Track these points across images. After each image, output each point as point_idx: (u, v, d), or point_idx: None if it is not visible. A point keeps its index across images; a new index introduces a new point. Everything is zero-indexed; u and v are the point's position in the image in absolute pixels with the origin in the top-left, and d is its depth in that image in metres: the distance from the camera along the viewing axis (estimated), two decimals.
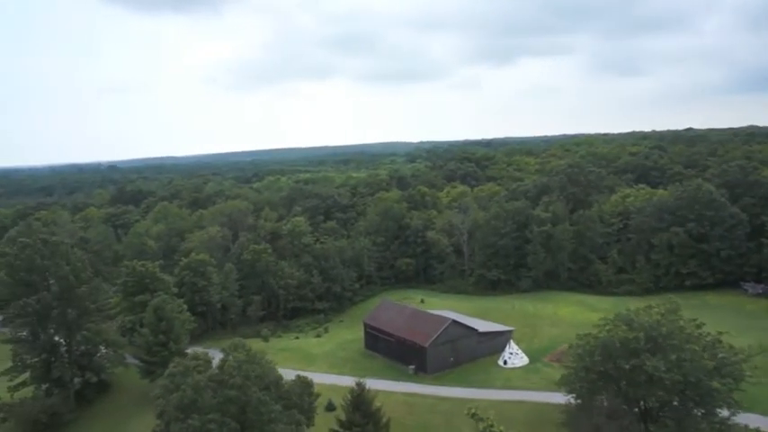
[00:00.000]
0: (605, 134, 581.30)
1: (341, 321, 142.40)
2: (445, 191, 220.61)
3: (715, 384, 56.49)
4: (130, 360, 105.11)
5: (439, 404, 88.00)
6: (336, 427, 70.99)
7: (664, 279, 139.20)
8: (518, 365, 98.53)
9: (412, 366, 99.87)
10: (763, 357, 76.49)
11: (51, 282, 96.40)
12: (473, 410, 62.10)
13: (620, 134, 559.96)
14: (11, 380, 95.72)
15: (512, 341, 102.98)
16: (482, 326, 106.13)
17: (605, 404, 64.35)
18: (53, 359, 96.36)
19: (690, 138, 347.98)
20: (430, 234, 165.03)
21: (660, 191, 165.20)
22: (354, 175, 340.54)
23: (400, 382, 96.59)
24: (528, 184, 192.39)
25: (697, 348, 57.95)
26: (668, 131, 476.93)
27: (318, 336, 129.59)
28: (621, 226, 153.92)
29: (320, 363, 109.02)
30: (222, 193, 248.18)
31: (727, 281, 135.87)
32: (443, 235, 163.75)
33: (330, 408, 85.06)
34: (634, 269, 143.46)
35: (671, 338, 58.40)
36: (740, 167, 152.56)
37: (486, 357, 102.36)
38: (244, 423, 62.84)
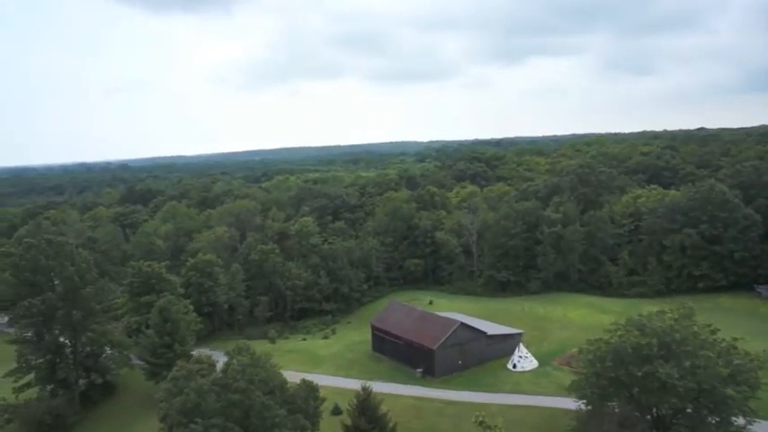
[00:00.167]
0: (616, 134, 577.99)
1: (348, 323, 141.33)
2: (454, 191, 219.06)
3: (730, 392, 55.04)
4: (136, 361, 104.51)
5: (447, 408, 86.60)
6: None
7: (676, 281, 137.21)
8: (527, 369, 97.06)
9: (419, 369, 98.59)
10: None
11: (56, 282, 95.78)
12: (481, 418, 60.65)
13: (630, 134, 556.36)
14: (16, 381, 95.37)
15: (521, 344, 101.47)
16: (491, 328, 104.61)
17: (617, 411, 62.84)
18: (58, 360, 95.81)
19: (702, 137, 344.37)
20: (439, 235, 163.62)
21: (672, 191, 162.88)
22: (363, 174, 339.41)
23: (407, 386, 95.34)
24: (538, 185, 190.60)
25: (712, 355, 56.43)
26: (680, 131, 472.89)
27: (326, 337, 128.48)
28: (633, 227, 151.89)
29: (327, 365, 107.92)
30: (231, 192, 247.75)
31: (740, 283, 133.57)
32: (452, 235, 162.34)
33: (336, 411, 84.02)
34: (645, 271, 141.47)
35: (685, 345, 56.90)
36: (754, 168, 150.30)
37: (495, 361, 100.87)
38: (247, 428, 61.81)
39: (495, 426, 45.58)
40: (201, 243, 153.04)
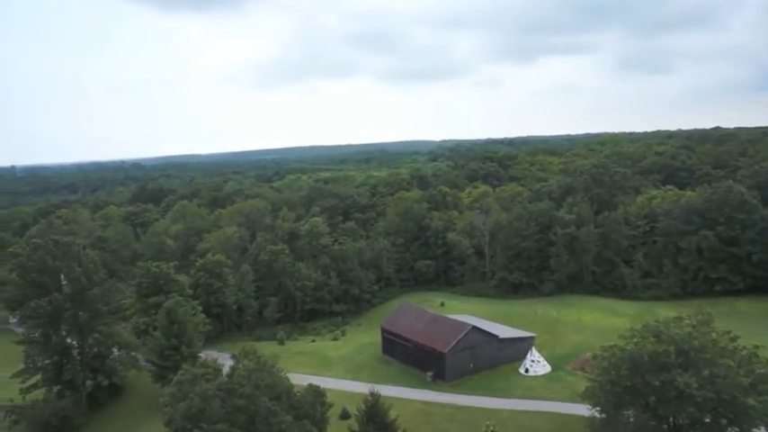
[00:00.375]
0: (630, 133, 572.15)
1: (358, 324, 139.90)
2: (467, 191, 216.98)
3: (751, 402, 53.00)
4: (144, 362, 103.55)
5: (457, 413, 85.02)
6: None
7: (692, 284, 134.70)
8: (540, 374, 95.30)
9: (430, 373, 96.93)
10: None
11: (64, 283, 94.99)
12: (491, 428, 58.69)
13: (645, 133, 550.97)
14: (23, 382, 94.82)
15: (533, 348, 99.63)
16: (503, 332, 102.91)
17: (632, 420, 61.07)
18: (65, 361, 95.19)
19: (718, 137, 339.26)
20: (450, 235, 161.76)
21: (688, 192, 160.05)
22: (375, 173, 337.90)
23: (417, 390, 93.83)
24: (551, 185, 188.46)
25: (732, 364, 54.40)
26: (695, 130, 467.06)
27: (335, 339, 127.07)
28: (648, 228, 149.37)
29: (336, 368, 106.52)
30: (242, 192, 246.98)
31: (758, 286, 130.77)
32: (464, 236, 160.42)
33: (344, 416, 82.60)
34: (661, 273, 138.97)
35: (704, 353, 54.93)
36: None
37: (507, 365, 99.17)
38: None
39: None
40: (211, 243, 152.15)
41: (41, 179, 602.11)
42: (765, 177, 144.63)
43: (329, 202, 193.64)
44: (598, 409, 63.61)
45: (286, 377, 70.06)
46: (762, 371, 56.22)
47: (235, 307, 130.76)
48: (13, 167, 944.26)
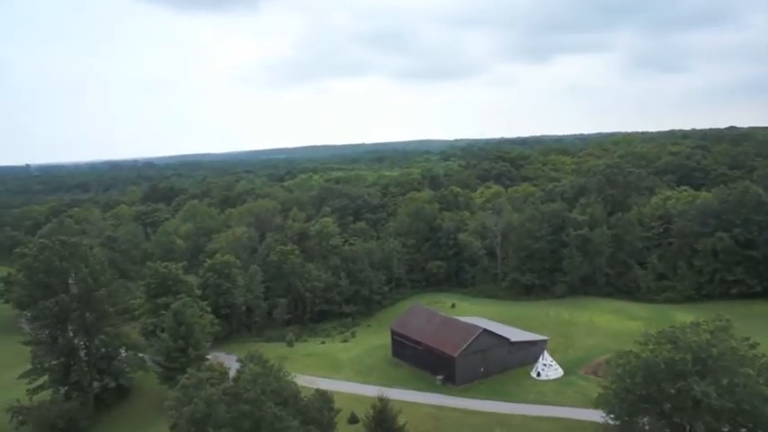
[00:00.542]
0: (643, 132, 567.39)
1: (369, 326, 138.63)
2: (479, 191, 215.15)
3: None
4: (151, 363, 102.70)
5: (467, 418, 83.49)
6: None
7: (707, 287, 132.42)
8: (552, 378, 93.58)
9: (440, 377, 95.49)
10: None
11: (71, 284, 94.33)
12: None
13: (659, 132, 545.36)
14: (30, 382, 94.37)
15: (545, 352, 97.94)
16: (514, 335, 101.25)
17: (647, 428, 59.39)
18: (72, 362, 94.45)
19: (733, 137, 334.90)
20: (462, 236, 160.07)
21: (704, 193, 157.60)
22: (387, 173, 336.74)
23: (427, 393, 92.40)
24: (564, 185, 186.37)
25: (752, 372, 52.61)
26: (710, 130, 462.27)
27: (345, 341, 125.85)
28: (662, 230, 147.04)
29: (345, 370, 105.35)
30: (253, 191, 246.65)
31: None
32: (476, 237, 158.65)
33: (353, 420, 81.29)
34: (675, 275, 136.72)
35: (722, 360, 53.20)
36: None
37: (518, 368, 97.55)
38: None
39: None
40: (220, 243, 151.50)
41: (55, 178, 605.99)
42: None
43: (340, 203, 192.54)
44: (612, 416, 62.07)
45: (293, 381, 69.00)
46: None
47: (244, 308, 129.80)
48: (27, 166, 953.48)
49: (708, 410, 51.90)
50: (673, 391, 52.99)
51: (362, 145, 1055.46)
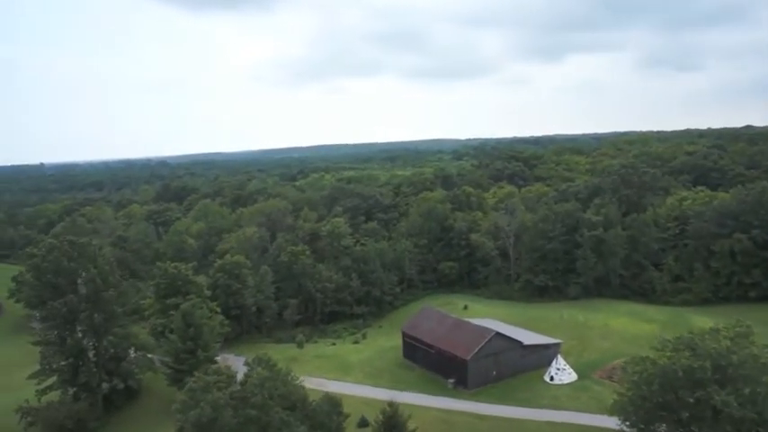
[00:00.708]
0: (658, 132, 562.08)
1: (380, 327, 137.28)
2: (491, 191, 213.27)
3: None
4: (160, 364, 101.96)
5: (479, 423, 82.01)
6: None
7: (724, 289, 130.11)
8: (565, 382, 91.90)
9: (451, 380, 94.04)
10: None
11: (80, 284, 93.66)
12: None
13: (674, 132, 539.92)
14: (39, 383, 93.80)
15: (559, 355, 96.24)
16: (527, 338, 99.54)
17: None
18: (80, 363, 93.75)
19: (750, 136, 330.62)
20: (474, 237, 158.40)
21: (721, 194, 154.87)
22: (399, 172, 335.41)
23: (438, 397, 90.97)
24: (578, 185, 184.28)
25: None
26: (726, 129, 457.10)
27: (356, 342, 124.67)
28: (678, 231, 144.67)
29: (356, 372, 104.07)
30: (264, 190, 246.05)
31: None
32: (488, 238, 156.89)
33: (363, 424, 79.97)
34: (692, 278, 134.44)
35: (743, 369, 51.40)
36: None
37: (532, 372, 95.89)
38: None
39: None
40: (230, 243, 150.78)
41: (69, 177, 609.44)
42: None
43: (351, 202, 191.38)
44: (627, 423, 60.43)
45: (301, 386, 67.95)
46: None
47: (254, 309, 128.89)
48: (42, 165, 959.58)
49: (728, 420, 50.19)
50: (691, 400, 51.32)
51: (375, 144, 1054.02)
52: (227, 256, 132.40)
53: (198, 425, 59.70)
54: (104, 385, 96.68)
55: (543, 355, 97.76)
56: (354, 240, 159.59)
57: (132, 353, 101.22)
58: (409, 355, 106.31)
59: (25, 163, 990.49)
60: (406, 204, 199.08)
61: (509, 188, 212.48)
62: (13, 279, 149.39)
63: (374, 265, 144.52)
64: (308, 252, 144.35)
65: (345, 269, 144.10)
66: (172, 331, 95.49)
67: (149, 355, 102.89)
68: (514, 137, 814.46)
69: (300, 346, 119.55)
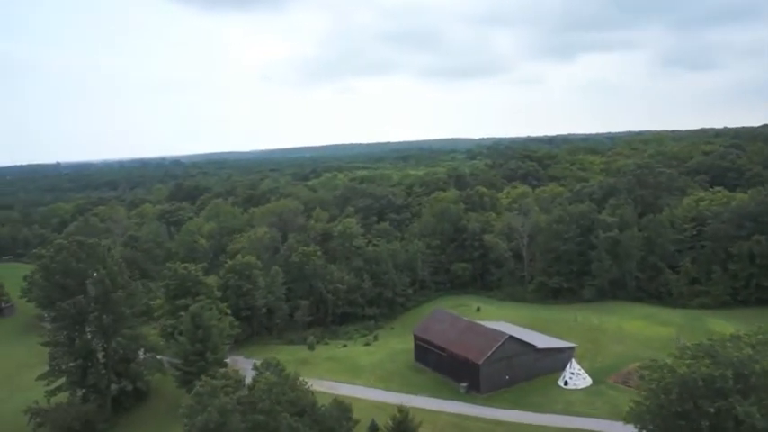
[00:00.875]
0: (673, 131, 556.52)
1: (392, 329, 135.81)
2: (505, 191, 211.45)
3: None
4: (170, 366, 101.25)
5: (492, 429, 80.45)
6: None
7: (743, 292, 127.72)
8: (580, 387, 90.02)
9: (464, 384, 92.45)
10: None
11: (89, 284, 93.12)
12: None
13: (689, 131, 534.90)
14: (48, 384, 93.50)
15: (573, 359, 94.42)
16: (541, 341, 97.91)
17: None
18: (89, 365, 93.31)
19: None
20: (488, 237, 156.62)
21: (739, 194, 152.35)
22: (412, 172, 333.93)
23: (450, 401, 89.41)
24: (593, 186, 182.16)
25: None
26: (743, 128, 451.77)
27: (367, 344, 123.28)
28: (695, 232, 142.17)
29: (366, 375, 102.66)
30: (277, 190, 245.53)
31: None
32: (502, 239, 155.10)
33: (373, 429, 78.47)
34: (709, 280, 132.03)
35: (766, 378, 49.53)
36: None
37: (545, 376, 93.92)
38: None
39: None
40: (241, 244, 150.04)
41: (84, 176, 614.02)
42: None
43: (364, 203, 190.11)
44: None
45: (310, 390, 66.81)
46: None
47: (264, 310, 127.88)
48: (58, 164, 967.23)
49: None
50: (712, 410, 49.51)
51: (388, 144, 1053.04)
52: (238, 257, 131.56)
53: (205, 430, 58.80)
54: (113, 387, 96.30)
55: (557, 358, 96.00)
56: (366, 241, 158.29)
57: (142, 354, 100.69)
58: (421, 358, 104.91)
59: (42, 162, 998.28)
60: (419, 205, 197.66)
61: (523, 188, 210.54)
62: (25, 278, 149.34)
63: (386, 266, 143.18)
64: (319, 253, 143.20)
65: (357, 270, 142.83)
66: (181, 333, 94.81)
67: (159, 357, 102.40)
68: (528, 136, 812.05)
69: (311, 347, 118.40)
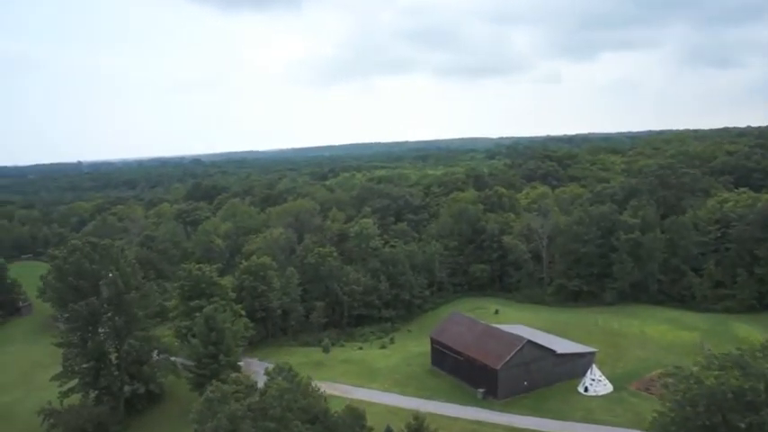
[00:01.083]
0: (695, 130, 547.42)
1: (409, 331, 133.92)
2: (524, 192, 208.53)
3: None
4: (185, 365, 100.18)
5: None
6: None
7: None
8: (600, 394, 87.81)
9: (481, 390, 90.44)
10: None
11: (102, 285, 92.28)
12: None
13: (711, 130, 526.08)
14: (61, 385, 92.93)
15: (594, 365, 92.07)
16: (561, 346, 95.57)
17: None
18: (102, 366, 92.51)
19: None
20: (506, 239, 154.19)
21: (765, 195, 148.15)
22: (431, 171, 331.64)
23: (467, 407, 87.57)
24: (614, 186, 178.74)
25: None
26: (767, 128, 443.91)
27: (383, 347, 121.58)
28: (719, 234, 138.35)
29: (382, 379, 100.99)
30: (294, 190, 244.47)
31: None
32: (521, 240, 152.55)
33: None
34: (734, 284, 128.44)
35: None
36: None
37: (565, 382, 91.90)
38: None
39: None
40: (257, 244, 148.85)
41: (104, 175, 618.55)
42: None
43: (381, 203, 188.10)
44: None
45: (323, 397, 65.23)
46: None
47: (279, 311, 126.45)
48: (79, 163, 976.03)
49: None
50: (742, 424, 47.21)
51: (407, 143, 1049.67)
52: (254, 258, 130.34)
53: None
54: (126, 389, 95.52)
55: (577, 364, 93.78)
56: (383, 242, 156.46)
57: (156, 355, 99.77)
58: (438, 362, 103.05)
59: (64, 161, 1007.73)
60: (437, 205, 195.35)
61: (542, 188, 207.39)
62: (41, 278, 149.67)
63: (403, 267, 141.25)
64: (335, 253, 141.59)
65: (374, 271, 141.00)
66: (195, 335, 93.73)
67: (173, 358, 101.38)
68: (547, 135, 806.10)
69: (326, 350, 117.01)
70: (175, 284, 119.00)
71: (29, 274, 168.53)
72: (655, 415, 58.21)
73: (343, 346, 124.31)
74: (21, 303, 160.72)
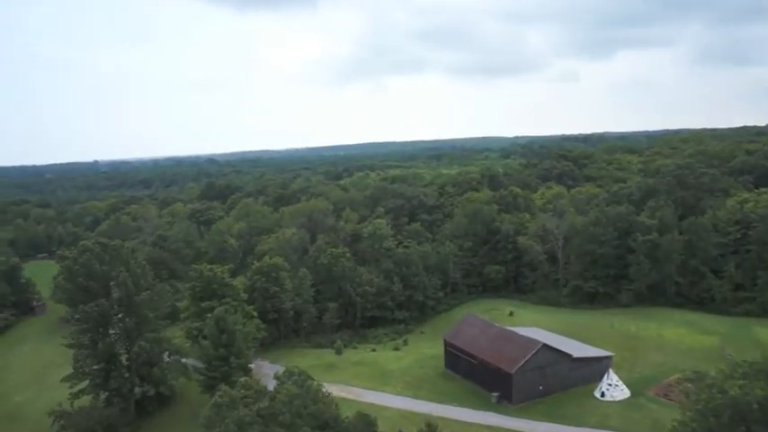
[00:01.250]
0: (713, 129, 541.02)
1: (422, 333, 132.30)
2: (539, 192, 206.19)
3: None
4: (196, 367, 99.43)
5: None
6: None
7: None
8: (617, 399, 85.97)
9: (495, 394, 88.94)
10: None
11: (112, 286, 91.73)
12: None
13: (729, 129, 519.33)
14: (71, 386, 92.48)
15: (611, 369, 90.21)
16: (577, 350, 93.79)
17: None
18: (112, 368, 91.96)
19: None
20: (522, 239, 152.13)
21: None
22: (445, 171, 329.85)
23: (480, 412, 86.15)
24: (631, 187, 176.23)
25: None
26: None
27: (396, 348, 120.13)
28: (740, 236, 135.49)
29: (395, 382, 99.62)
30: (307, 189, 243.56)
31: None
32: (536, 241, 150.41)
33: None
34: (755, 286, 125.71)
35: None
36: None
37: (581, 387, 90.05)
38: None
39: None
40: (269, 245, 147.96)
41: (120, 174, 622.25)
42: None
43: (394, 203, 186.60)
44: None
45: (333, 402, 64.04)
46: None
47: (292, 312, 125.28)
48: (95, 162, 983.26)
49: None
50: None
51: (421, 142, 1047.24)
52: (266, 258, 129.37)
53: None
54: (136, 390, 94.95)
55: (594, 368, 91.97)
56: (397, 242, 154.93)
57: (166, 357, 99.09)
58: (451, 364, 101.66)
59: (80, 160, 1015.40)
60: (451, 205, 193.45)
61: (558, 189, 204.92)
62: (54, 278, 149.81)
63: (417, 268, 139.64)
64: (348, 254, 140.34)
65: (387, 272, 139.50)
66: (206, 336, 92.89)
67: (184, 360, 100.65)
68: (563, 134, 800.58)
69: (339, 352, 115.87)
70: (187, 285, 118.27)
71: (43, 274, 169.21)
72: (675, 424, 56.44)
73: (355, 347, 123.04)
74: (35, 303, 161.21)
